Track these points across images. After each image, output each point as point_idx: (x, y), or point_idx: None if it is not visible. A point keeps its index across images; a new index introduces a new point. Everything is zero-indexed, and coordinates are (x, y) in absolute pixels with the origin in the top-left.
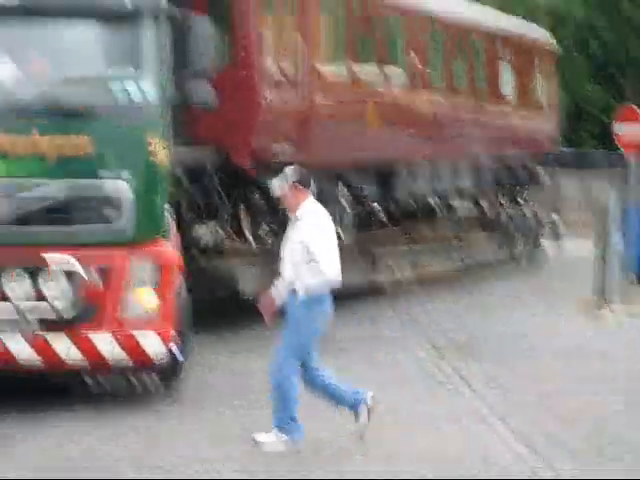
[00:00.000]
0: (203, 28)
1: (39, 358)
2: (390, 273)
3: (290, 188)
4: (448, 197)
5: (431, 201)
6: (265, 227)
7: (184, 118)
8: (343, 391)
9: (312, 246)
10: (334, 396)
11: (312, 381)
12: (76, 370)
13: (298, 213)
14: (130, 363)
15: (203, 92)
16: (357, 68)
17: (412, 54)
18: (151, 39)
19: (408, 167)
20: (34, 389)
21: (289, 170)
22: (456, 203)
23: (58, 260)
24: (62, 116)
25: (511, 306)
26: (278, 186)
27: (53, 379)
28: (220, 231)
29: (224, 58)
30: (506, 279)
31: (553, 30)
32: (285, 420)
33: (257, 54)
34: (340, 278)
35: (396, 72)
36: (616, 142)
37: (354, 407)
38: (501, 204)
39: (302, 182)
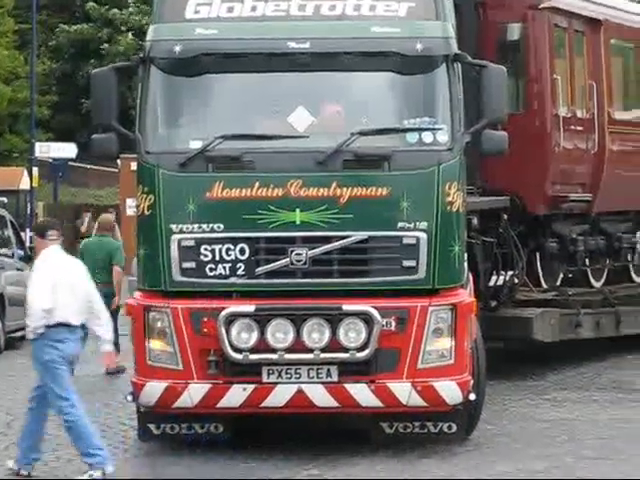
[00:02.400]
0: (498, 78)
1: (337, 404)
2: None
3: (35, 239)
4: None
5: None
6: (562, 275)
7: (476, 166)
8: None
9: (28, 291)
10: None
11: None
12: (372, 414)
13: (36, 262)
14: (428, 411)
15: (496, 140)
16: None
17: None
18: (445, 85)
19: None
20: (333, 433)
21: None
22: None
23: (358, 310)
24: (360, 167)
25: None
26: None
27: (352, 425)
28: (515, 280)
29: (516, 105)
30: None
31: None
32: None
33: (550, 101)
34: (54, 317)
35: None
36: None
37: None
38: None
39: (38, 233)
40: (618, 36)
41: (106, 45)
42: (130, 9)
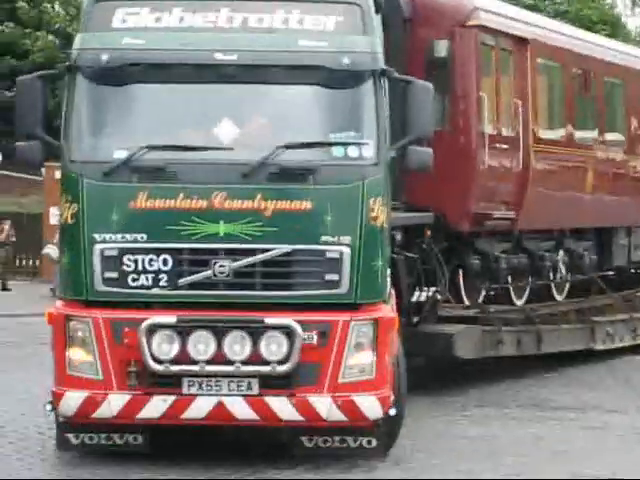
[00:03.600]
0: (424, 94)
1: (257, 417)
2: (610, 341)
3: None
4: None
5: None
6: (484, 292)
7: (401, 182)
8: None
9: None
10: None
11: None
12: (292, 428)
13: None
14: (348, 425)
15: (421, 156)
16: (575, 132)
17: (633, 118)
18: (371, 100)
19: (628, 233)
20: (253, 447)
21: None
22: None
23: (279, 323)
24: (285, 181)
25: None
26: None
27: (272, 439)
28: (438, 296)
29: (442, 122)
30: None
31: None
32: None
33: (476, 119)
34: None
35: (615, 137)
36: None
37: None
38: None
39: None
40: (545, 55)
41: (27, 41)
42: (57, 9)
